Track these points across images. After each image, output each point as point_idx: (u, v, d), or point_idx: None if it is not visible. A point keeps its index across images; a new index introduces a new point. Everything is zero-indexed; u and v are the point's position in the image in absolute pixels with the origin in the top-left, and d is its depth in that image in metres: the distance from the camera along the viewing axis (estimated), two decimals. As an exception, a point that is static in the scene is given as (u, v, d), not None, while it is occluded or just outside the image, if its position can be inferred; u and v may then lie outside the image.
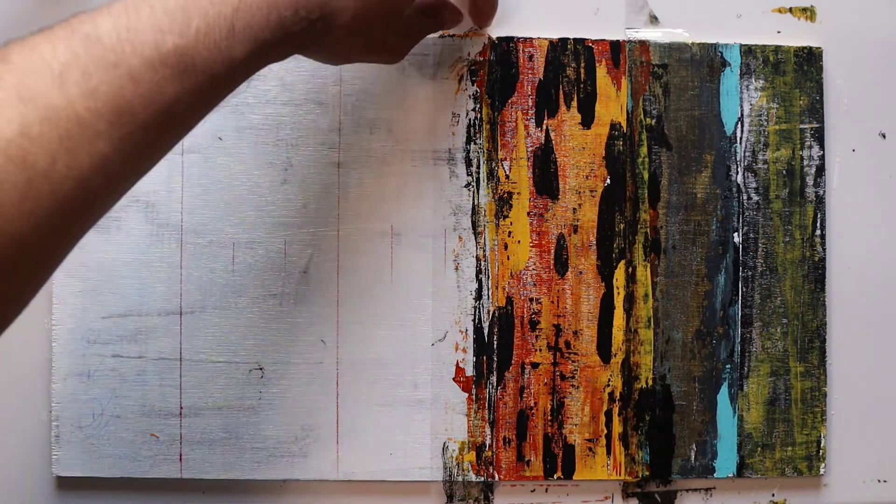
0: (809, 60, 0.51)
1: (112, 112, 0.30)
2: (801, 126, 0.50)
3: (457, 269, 0.50)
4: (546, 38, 0.50)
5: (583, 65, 0.50)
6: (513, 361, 0.50)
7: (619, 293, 0.50)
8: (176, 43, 0.31)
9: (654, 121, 0.50)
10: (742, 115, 0.50)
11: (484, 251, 0.50)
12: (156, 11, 0.31)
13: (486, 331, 0.50)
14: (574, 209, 0.50)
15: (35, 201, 0.29)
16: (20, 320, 0.51)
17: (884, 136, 0.52)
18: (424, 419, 0.50)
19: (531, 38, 0.50)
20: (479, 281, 0.50)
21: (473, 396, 0.50)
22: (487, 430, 0.50)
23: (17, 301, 0.31)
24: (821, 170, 0.51)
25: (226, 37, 0.33)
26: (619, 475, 0.50)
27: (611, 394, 0.50)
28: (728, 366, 0.50)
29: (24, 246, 0.29)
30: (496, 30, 0.46)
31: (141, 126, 0.31)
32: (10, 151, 0.28)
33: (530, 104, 0.50)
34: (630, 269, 0.50)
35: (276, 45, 0.35)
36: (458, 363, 0.50)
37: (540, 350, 0.50)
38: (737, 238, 0.50)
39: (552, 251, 0.50)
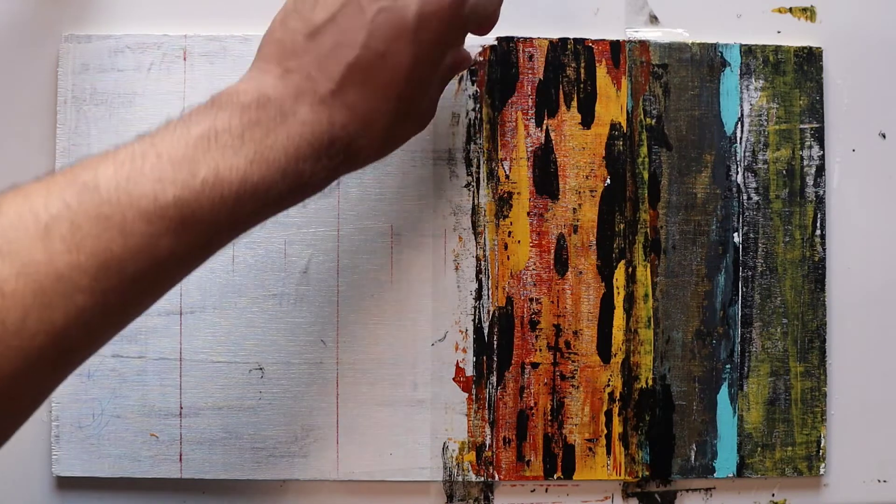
0: (809, 60, 0.51)
1: (96, 266, 0.28)
2: (801, 126, 0.50)
3: (457, 269, 0.50)
4: (546, 38, 0.50)
5: (583, 65, 0.50)
6: (513, 361, 0.50)
7: (619, 293, 0.50)
8: (177, 195, 0.29)
9: (654, 121, 0.50)
10: (742, 115, 0.50)
11: (484, 251, 0.50)
12: (162, 160, 0.30)
13: (486, 331, 0.50)
14: (574, 209, 0.50)
15: (3, 358, 0.27)
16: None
17: (884, 136, 0.52)
18: (424, 419, 0.50)
19: (531, 38, 0.50)
20: (479, 281, 0.50)
21: (473, 396, 0.50)
22: (487, 430, 0.50)
23: None
24: (821, 170, 0.51)
25: (235, 191, 0.30)
26: (619, 475, 0.50)
27: (611, 394, 0.50)
28: (728, 366, 0.50)
29: None
30: (496, 30, 0.46)
31: (128, 279, 0.29)
32: None
33: (530, 104, 0.50)
34: (630, 269, 0.50)
35: (288, 197, 0.33)
36: (458, 363, 0.50)
37: (540, 350, 0.50)
38: (737, 238, 0.50)
39: (552, 251, 0.50)
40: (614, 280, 0.50)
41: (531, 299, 0.50)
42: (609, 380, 0.50)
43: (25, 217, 0.28)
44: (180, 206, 0.29)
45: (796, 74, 0.51)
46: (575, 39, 0.50)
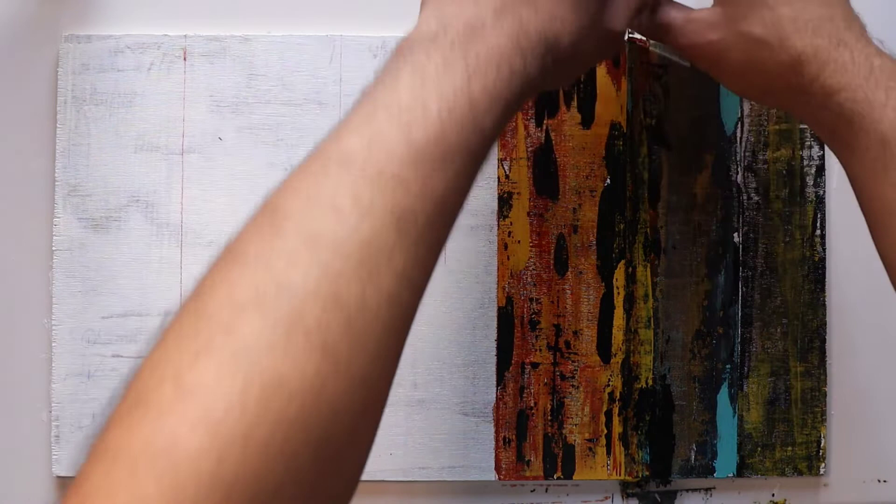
0: (809, 60, 0.51)
1: (395, 223, 0.29)
2: (801, 126, 0.50)
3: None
4: (546, 38, 0.50)
5: (583, 65, 0.50)
6: (513, 361, 0.50)
7: (619, 293, 0.50)
8: (425, 134, 0.30)
9: (654, 121, 0.50)
10: (742, 114, 0.50)
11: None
12: (392, 111, 0.30)
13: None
14: (574, 209, 0.50)
15: (360, 335, 0.28)
16: (20, 320, 0.51)
17: (884, 136, 0.51)
18: (424, 419, 0.50)
19: (531, 38, 0.50)
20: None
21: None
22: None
23: (363, 453, 0.32)
24: (821, 170, 0.51)
25: (469, 109, 0.31)
26: (619, 475, 0.50)
27: (611, 394, 0.50)
28: (728, 366, 0.50)
29: (366, 381, 0.29)
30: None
31: (424, 226, 0.30)
32: (322, 291, 0.27)
33: (530, 104, 0.50)
34: (630, 269, 0.50)
35: (517, 97, 0.34)
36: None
37: (540, 350, 0.50)
38: (737, 238, 0.50)
39: (552, 251, 0.50)
40: (614, 280, 0.50)
41: (531, 299, 0.50)
42: (609, 380, 0.50)
43: (309, 204, 0.29)
44: (433, 142, 0.30)
45: (796, 74, 0.51)
46: (575, 39, 0.50)
